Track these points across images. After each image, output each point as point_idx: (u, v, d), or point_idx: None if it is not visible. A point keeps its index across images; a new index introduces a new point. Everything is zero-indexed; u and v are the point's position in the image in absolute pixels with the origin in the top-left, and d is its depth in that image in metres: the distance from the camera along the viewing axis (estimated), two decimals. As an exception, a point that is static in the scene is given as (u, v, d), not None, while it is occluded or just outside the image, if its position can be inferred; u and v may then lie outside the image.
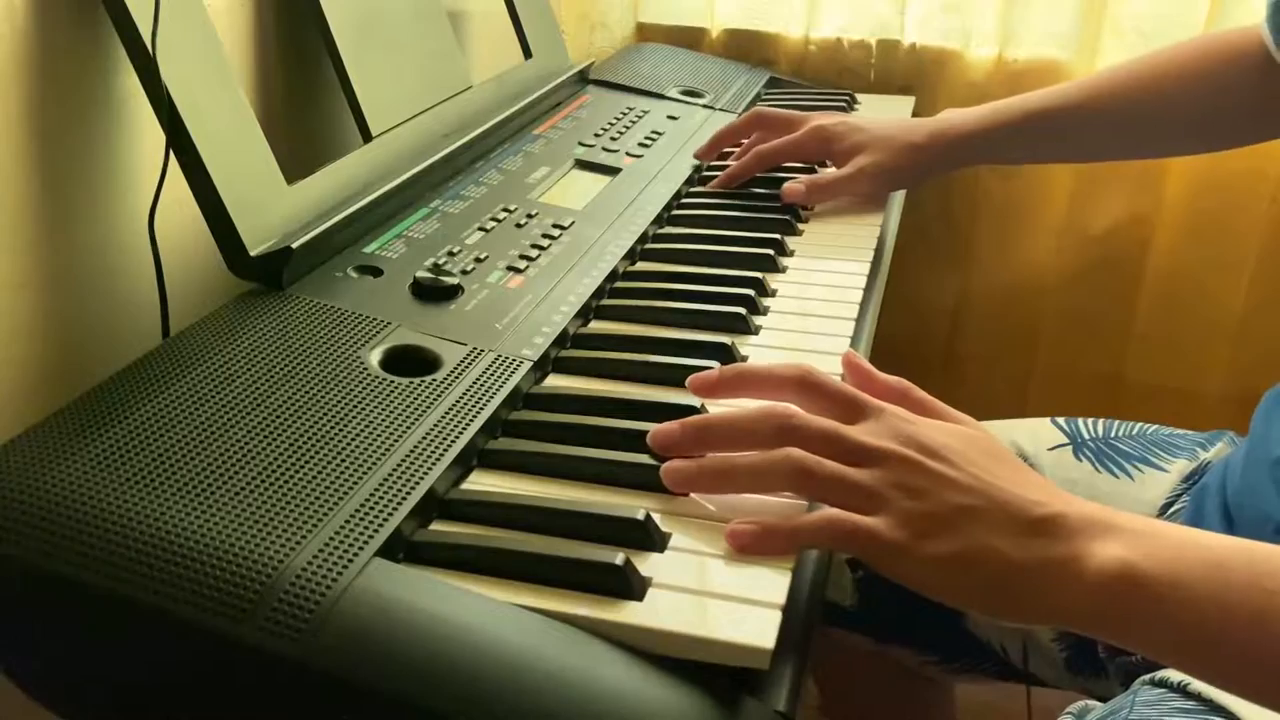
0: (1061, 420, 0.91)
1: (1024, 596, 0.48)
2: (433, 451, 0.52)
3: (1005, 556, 0.47)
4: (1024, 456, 0.89)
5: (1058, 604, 0.48)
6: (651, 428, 0.55)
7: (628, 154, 0.96)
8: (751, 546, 0.49)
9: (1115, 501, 0.84)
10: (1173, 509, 0.80)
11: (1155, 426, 0.89)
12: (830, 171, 0.94)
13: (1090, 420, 0.90)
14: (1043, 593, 0.48)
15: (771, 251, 0.81)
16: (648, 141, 0.99)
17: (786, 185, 0.92)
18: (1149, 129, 0.93)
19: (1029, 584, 0.48)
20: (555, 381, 0.64)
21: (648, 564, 0.48)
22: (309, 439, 0.52)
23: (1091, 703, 0.70)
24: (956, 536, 0.48)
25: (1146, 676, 0.67)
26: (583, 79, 1.13)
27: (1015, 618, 0.50)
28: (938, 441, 0.51)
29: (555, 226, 0.79)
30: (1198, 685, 0.63)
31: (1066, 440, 0.89)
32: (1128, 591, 0.46)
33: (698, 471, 0.53)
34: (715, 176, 0.98)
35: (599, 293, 0.73)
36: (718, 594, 0.46)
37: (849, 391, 0.54)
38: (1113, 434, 0.88)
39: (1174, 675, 0.65)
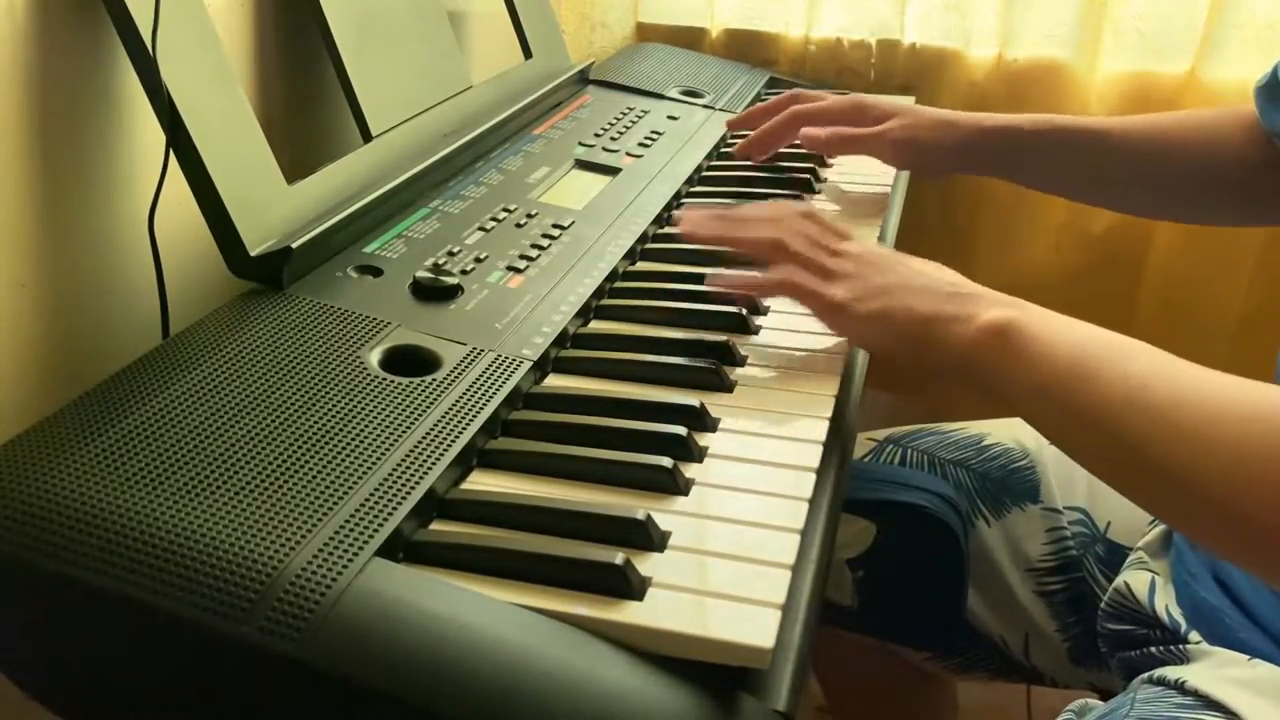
0: None
1: (927, 342, 0.61)
2: (433, 451, 0.52)
3: (918, 311, 0.62)
4: (1026, 452, 0.89)
5: (949, 349, 0.60)
6: (652, 426, 0.56)
7: (628, 154, 0.96)
8: (720, 284, 0.70)
9: (1116, 495, 0.84)
10: None
11: None
12: (859, 129, 0.94)
13: None
14: (940, 339, 0.61)
15: (771, 251, 0.81)
16: (648, 141, 0.99)
17: (806, 130, 0.94)
18: (1154, 181, 0.91)
19: (932, 333, 0.61)
20: (555, 381, 0.64)
21: (648, 564, 0.48)
22: (309, 439, 0.52)
23: (1092, 701, 0.70)
24: (884, 299, 0.63)
25: (1144, 675, 0.68)
26: (583, 79, 1.13)
27: (920, 360, 0.62)
28: (889, 252, 0.68)
29: (555, 226, 0.79)
30: (1194, 683, 0.63)
31: None
32: (1001, 341, 0.58)
33: (710, 217, 0.74)
34: (715, 177, 0.98)
35: (599, 293, 0.73)
36: (718, 594, 0.46)
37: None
38: None
39: (1170, 674, 0.65)
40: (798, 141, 0.96)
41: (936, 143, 0.93)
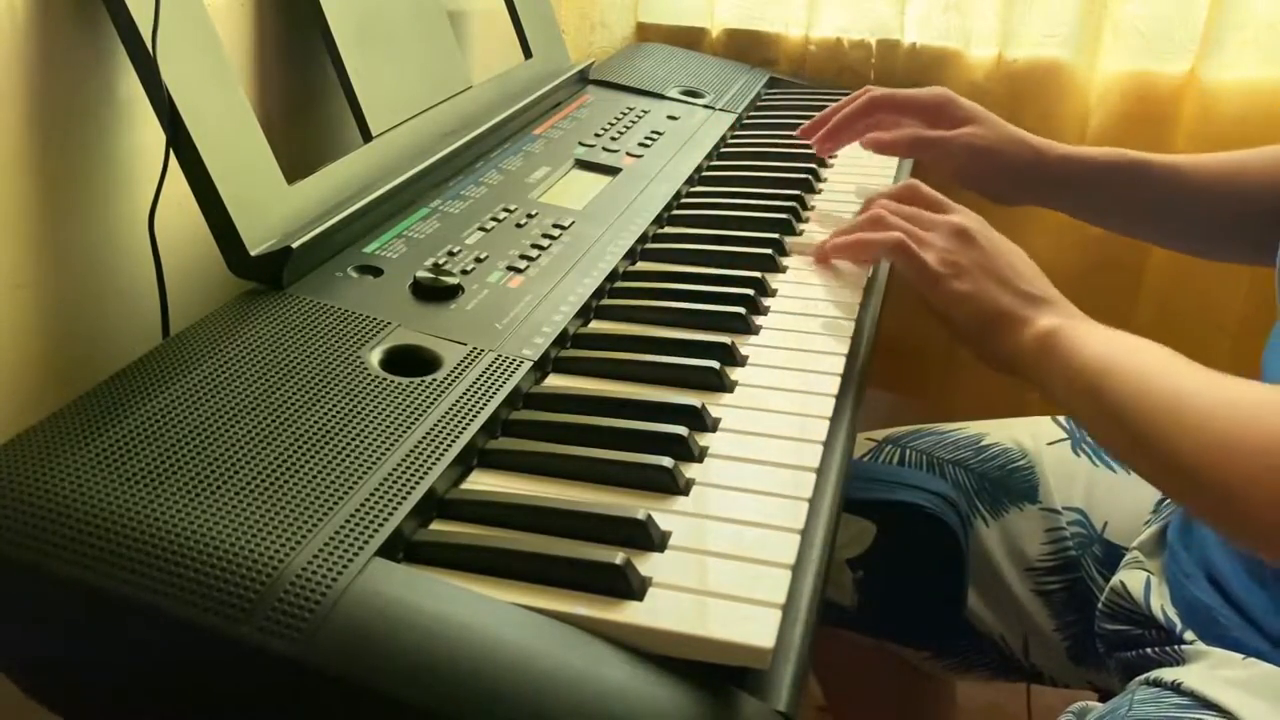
0: (1061, 418, 0.92)
1: (994, 335, 0.69)
2: (433, 451, 0.52)
3: (996, 302, 0.69)
4: (1024, 453, 0.89)
5: (1008, 345, 0.68)
6: (652, 426, 0.56)
7: (628, 154, 0.96)
8: (828, 251, 0.79)
9: (1114, 495, 0.85)
10: (1166, 501, 0.80)
11: None
12: (932, 131, 0.91)
13: None
14: (1004, 335, 0.69)
15: (771, 251, 0.81)
16: (648, 141, 0.99)
17: (873, 135, 0.92)
18: (1233, 220, 0.88)
19: (999, 327, 0.69)
20: (555, 381, 0.64)
21: (648, 564, 0.48)
22: (309, 439, 0.52)
23: (1091, 704, 0.70)
24: (971, 281, 0.70)
25: (1142, 677, 0.68)
26: (583, 79, 1.13)
27: (985, 350, 0.71)
28: (985, 231, 0.74)
29: (555, 226, 0.79)
30: (1190, 684, 0.63)
31: (1065, 435, 0.90)
32: (1045, 347, 0.66)
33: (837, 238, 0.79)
34: (715, 177, 0.98)
35: (599, 293, 0.73)
36: (718, 594, 0.46)
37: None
38: None
39: (1167, 675, 0.65)
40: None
41: (1011, 159, 0.90)
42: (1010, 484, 0.88)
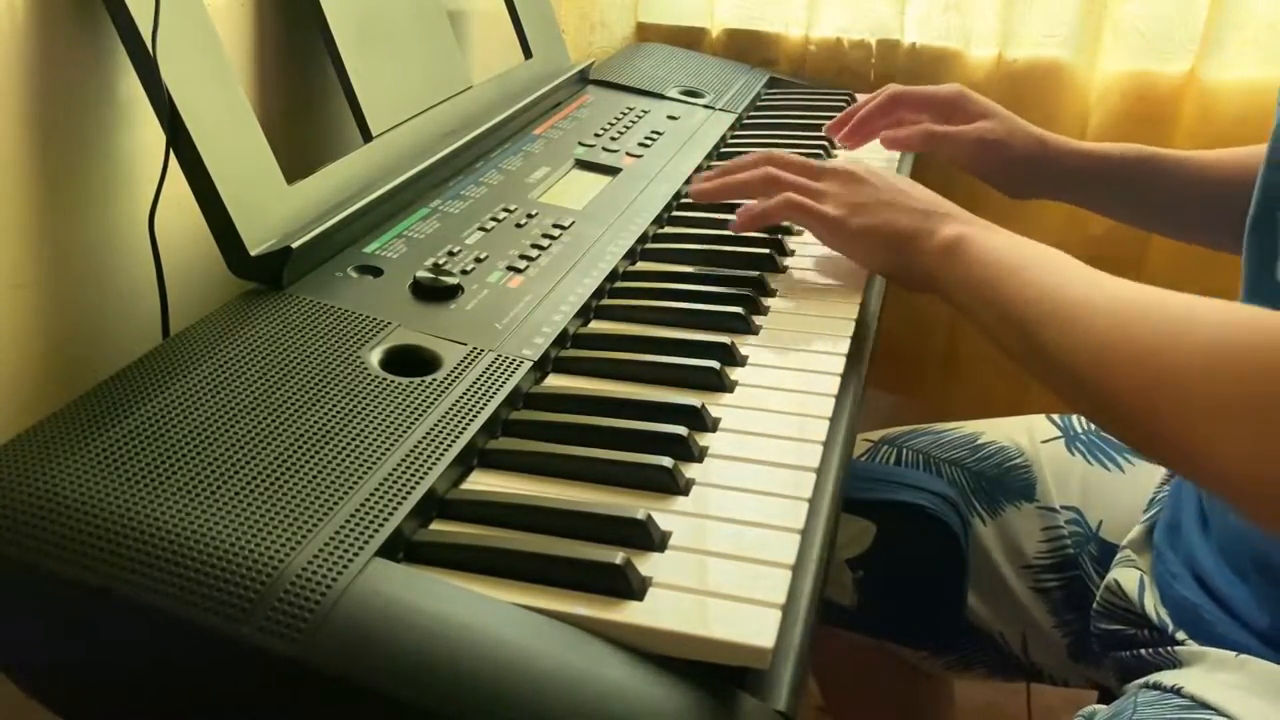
0: (1056, 416, 0.92)
1: (902, 257, 0.72)
2: (433, 451, 0.52)
3: (899, 226, 0.72)
4: (1020, 451, 0.89)
5: (919, 262, 0.70)
6: (652, 426, 0.56)
7: (628, 154, 0.96)
8: (738, 226, 0.79)
9: (1108, 494, 0.85)
10: (1156, 500, 0.80)
11: None
12: (945, 126, 0.95)
13: (1083, 416, 0.91)
14: (914, 253, 0.71)
15: (771, 251, 0.81)
16: (648, 141, 0.99)
17: (889, 133, 0.97)
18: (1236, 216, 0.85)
19: (908, 246, 0.71)
20: (555, 381, 0.64)
21: (648, 564, 0.48)
22: (309, 439, 0.52)
23: (1098, 707, 0.70)
24: (870, 215, 0.73)
25: (1141, 681, 0.68)
26: (583, 79, 1.13)
27: (900, 272, 0.73)
28: (869, 168, 0.77)
29: (555, 226, 0.79)
30: (1190, 689, 0.63)
31: (1059, 433, 0.90)
32: (952, 254, 0.68)
33: (706, 178, 0.81)
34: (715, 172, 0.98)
35: (599, 293, 0.73)
36: (718, 594, 0.46)
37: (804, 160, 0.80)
38: None
39: (1167, 679, 0.66)
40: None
41: (1027, 153, 0.93)
42: (1007, 482, 0.88)
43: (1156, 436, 0.55)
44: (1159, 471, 0.83)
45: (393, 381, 0.57)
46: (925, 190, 0.75)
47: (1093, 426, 0.90)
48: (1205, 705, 0.62)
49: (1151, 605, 0.72)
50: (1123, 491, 0.84)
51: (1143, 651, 0.71)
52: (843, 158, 0.79)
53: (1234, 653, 0.65)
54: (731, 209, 0.89)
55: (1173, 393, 0.54)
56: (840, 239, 0.75)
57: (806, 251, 0.84)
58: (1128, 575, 0.75)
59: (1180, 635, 0.69)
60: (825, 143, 1.07)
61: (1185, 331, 0.54)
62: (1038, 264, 0.64)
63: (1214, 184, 0.88)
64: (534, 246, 0.75)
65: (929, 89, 0.98)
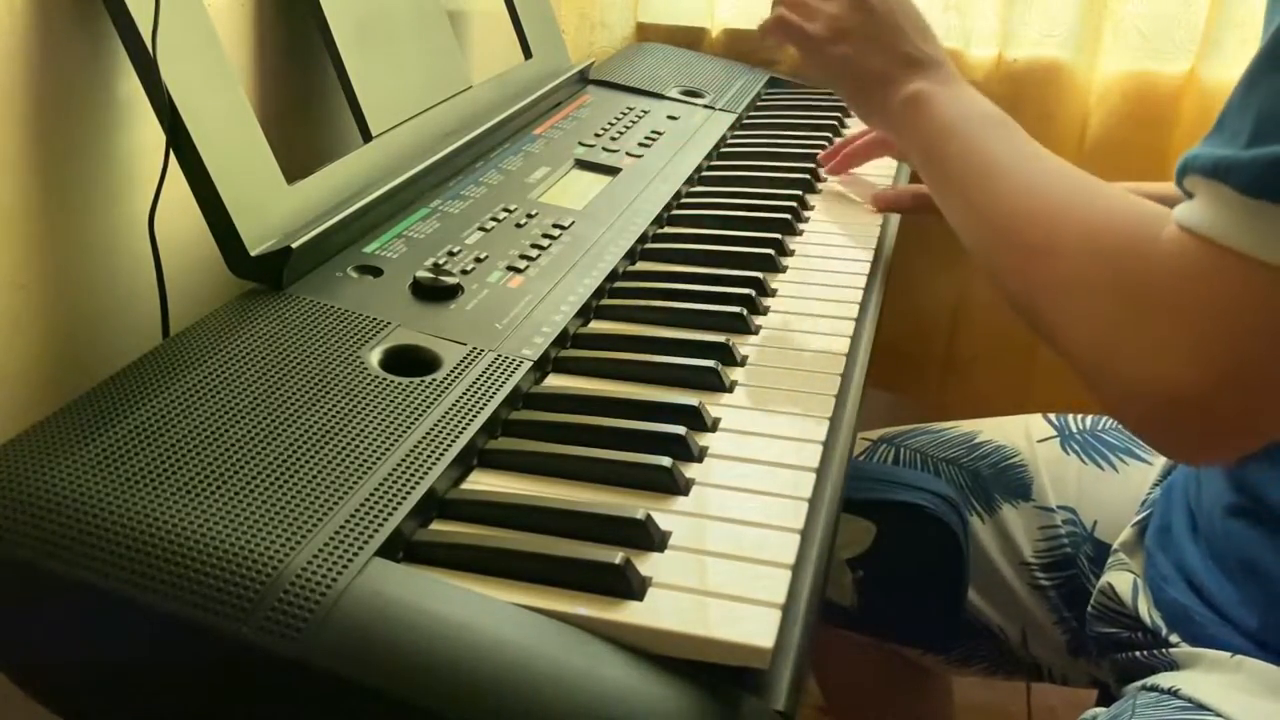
0: (1052, 416, 0.92)
1: (867, 97, 0.75)
2: (433, 451, 0.52)
3: (871, 67, 0.74)
4: (1017, 451, 0.89)
5: (880, 107, 0.74)
6: (652, 426, 0.56)
7: (628, 154, 0.96)
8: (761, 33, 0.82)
9: (1102, 494, 0.85)
10: (1148, 501, 0.80)
11: None
12: None
13: (1079, 415, 0.91)
14: (876, 97, 0.74)
15: (771, 251, 0.81)
16: (648, 141, 0.99)
17: (877, 194, 0.95)
18: None
19: (874, 89, 0.74)
20: (555, 381, 0.64)
21: (648, 564, 0.48)
22: (309, 439, 0.52)
23: (1098, 710, 0.70)
24: (850, 45, 0.75)
25: (1138, 684, 0.68)
26: (583, 79, 1.13)
27: (862, 110, 0.78)
28: (880, 6, 0.76)
29: (555, 226, 0.79)
30: (1187, 691, 0.64)
31: (1055, 433, 0.90)
32: (910, 109, 0.71)
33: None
34: (715, 177, 0.98)
35: (599, 293, 0.73)
36: (718, 593, 0.46)
37: None
38: (1099, 426, 0.89)
39: (1164, 682, 0.66)
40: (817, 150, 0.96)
41: None
42: (1003, 481, 0.88)
43: (1027, 305, 0.59)
44: (1152, 472, 0.83)
45: (393, 381, 0.57)
46: (922, 27, 0.75)
47: (1088, 426, 0.90)
48: (1203, 706, 0.62)
49: (1145, 609, 0.72)
50: (1117, 492, 0.84)
51: (1138, 654, 0.71)
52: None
53: (1230, 654, 0.65)
54: (732, 209, 0.90)
55: (1046, 260, 0.57)
56: (812, 61, 0.78)
57: (806, 252, 0.84)
58: (1121, 578, 0.75)
59: (1173, 638, 0.69)
60: (825, 143, 1.07)
61: (1074, 206, 0.58)
62: (989, 134, 0.66)
63: None
64: (534, 246, 0.75)
65: None
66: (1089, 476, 0.86)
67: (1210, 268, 0.50)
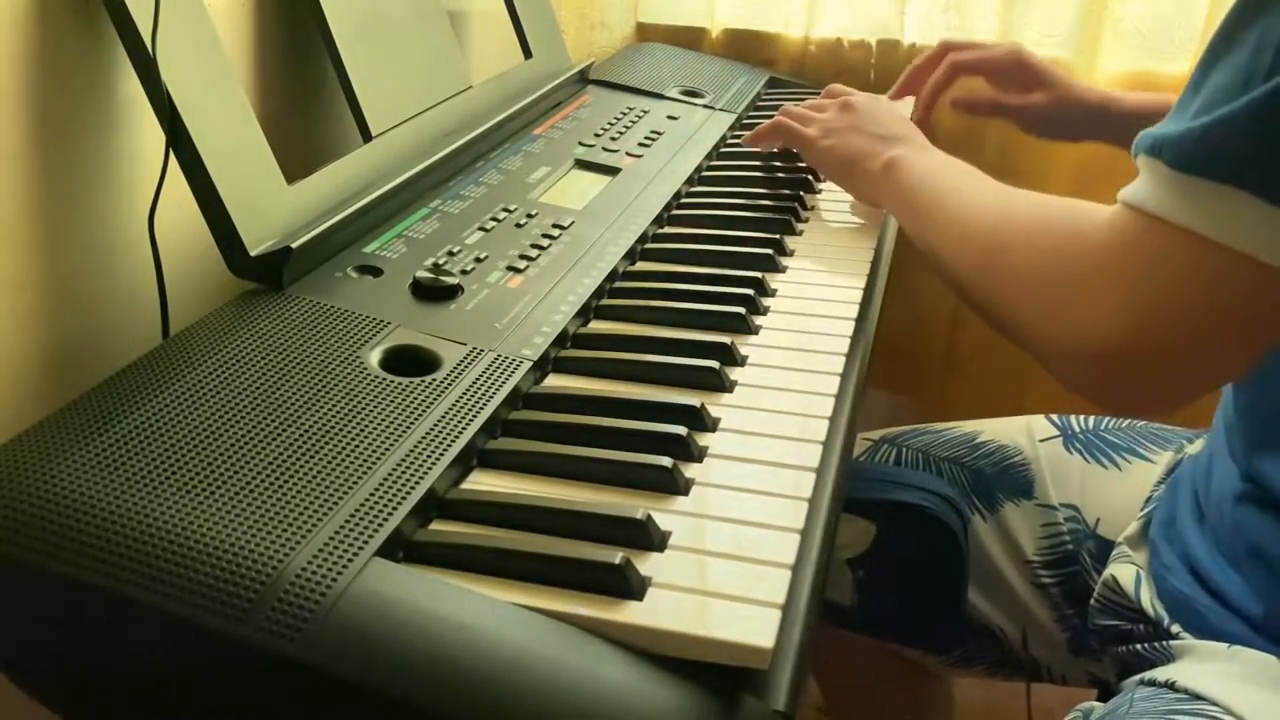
0: (1054, 416, 0.92)
1: (853, 174, 0.86)
2: (432, 451, 0.52)
3: (853, 149, 0.85)
4: (1019, 450, 0.89)
5: (866, 180, 0.84)
6: (652, 426, 0.56)
7: (628, 154, 0.96)
8: (749, 140, 0.99)
9: (1106, 492, 0.85)
10: (1152, 498, 0.80)
11: (1144, 421, 0.90)
12: (1010, 96, 1.07)
13: (1081, 415, 0.91)
14: (861, 169, 0.84)
15: (771, 251, 0.81)
16: (648, 141, 0.99)
17: (960, 98, 1.10)
18: None
19: (856, 166, 0.85)
20: (555, 381, 0.64)
21: (648, 564, 0.48)
22: (309, 439, 0.52)
23: (1095, 704, 0.70)
24: (837, 137, 0.87)
25: (1137, 678, 0.68)
26: (583, 79, 1.13)
27: (850, 185, 0.88)
28: (867, 101, 0.90)
29: (555, 226, 0.79)
30: (1183, 682, 0.64)
31: (1057, 433, 0.90)
32: (889, 174, 0.80)
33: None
34: (715, 177, 0.99)
35: (599, 293, 0.73)
36: (717, 593, 0.46)
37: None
38: (1102, 426, 0.90)
39: (1160, 675, 0.66)
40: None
41: (1072, 119, 1.05)
42: (1005, 480, 0.88)
43: (985, 300, 0.67)
44: (1156, 470, 0.83)
45: (393, 381, 0.57)
46: (897, 118, 0.87)
47: (1091, 426, 0.90)
48: (1198, 697, 0.63)
49: (1148, 599, 0.72)
50: (1120, 490, 0.84)
51: (1139, 646, 0.71)
52: (858, 97, 0.91)
53: (1226, 644, 0.65)
54: (736, 207, 0.90)
55: (998, 257, 0.65)
56: (810, 155, 0.91)
57: (806, 252, 0.84)
58: (1124, 571, 0.75)
59: (1175, 629, 0.69)
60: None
61: (1023, 209, 0.66)
62: (951, 177, 0.75)
63: None
64: (534, 246, 0.75)
65: (984, 53, 1.07)
66: (1092, 475, 0.86)
67: (1138, 232, 0.57)
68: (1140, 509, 0.80)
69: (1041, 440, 0.90)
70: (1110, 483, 0.85)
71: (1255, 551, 0.65)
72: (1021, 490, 0.87)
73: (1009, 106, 1.07)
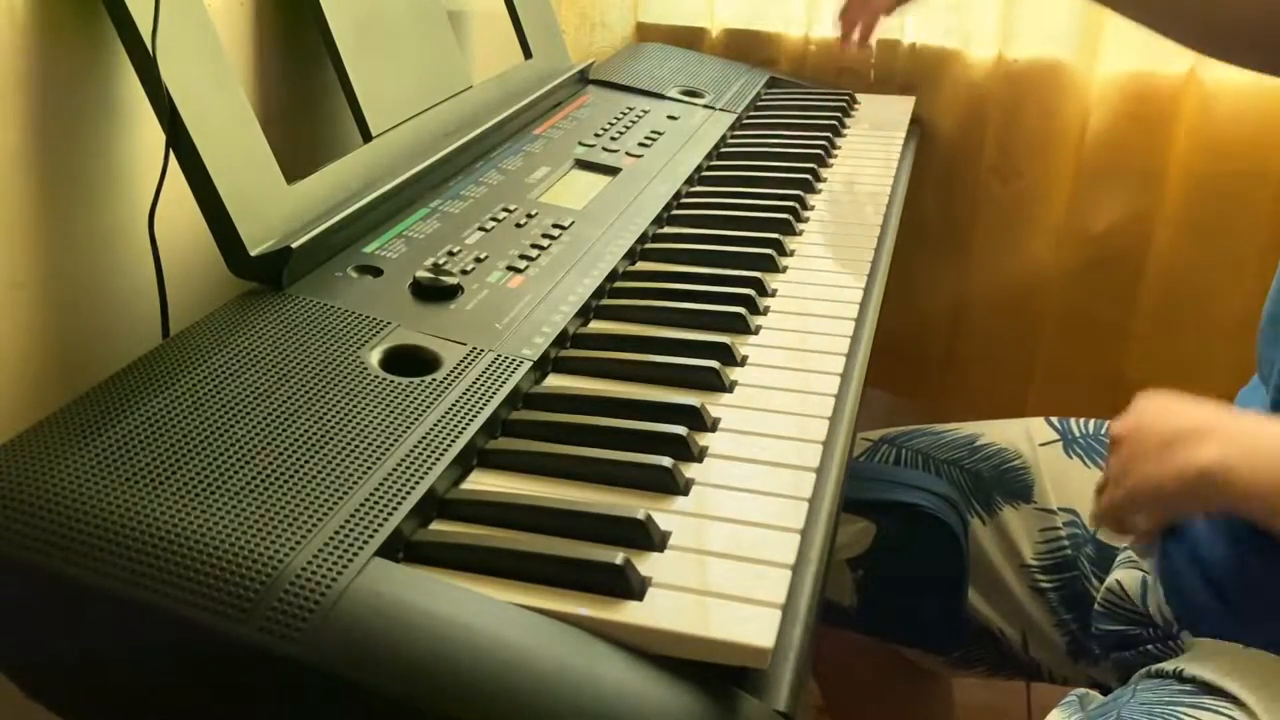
0: (1055, 419, 0.92)
1: (1168, 504, 0.66)
2: (432, 451, 0.52)
3: (1150, 478, 0.65)
4: (1019, 453, 0.89)
5: (1183, 501, 0.65)
6: (652, 426, 0.56)
7: (628, 154, 0.96)
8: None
9: None
10: None
11: None
12: None
13: (1081, 419, 0.91)
14: (1174, 495, 0.64)
15: (771, 251, 0.81)
16: (648, 141, 0.99)
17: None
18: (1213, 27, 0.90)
19: (1167, 494, 0.65)
20: (555, 381, 0.64)
21: (648, 564, 0.48)
22: (309, 439, 0.52)
23: (1093, 692, 0.70)
24: (1127, 482, 0.67)
25: (1143, 670, 0.68)
26: (583, 79, 1.13)
27: (1176, 518, 0.70)
28: (1132, 420, 0.69)
29: (555, 226, 0.79)
30: (1191, 670, 0.64)
31: (1057, 437, 0.90)
32: (1217, 482, 0.61)
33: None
34: (715, 177, 0.99)
35: (599, 293, 0.73)
36: (718, 594, 0.46)
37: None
38: (1102, 431, 0.89)
39: (1168, 666, 0.66)
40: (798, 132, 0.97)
41: None
42: (1004, 483, 0.88)
43: None
44: None
45: (393, 381, 0.57)
46: (1166, 405, 0.68)
47: (1091, 430, 0.90)
48: (1208, 687, 0.62)
49: (1155, 604, 0.72)
50: None
51: (1149, 647, 0.71)
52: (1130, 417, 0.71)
53: (1240, 644, 0.65)
54: (736, 207, 0.90)
55: None
56: (1127, 514, 0.69)
57: (806, 252, 0.84)
58: (1130, 576, 0.75)
59: (1184, 634, 0.69)
60: (825, 143, 1.07)
61: None
62: None
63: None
64: (534, 246, 0.75)
65: None
66: (1092, 479, 0.86)
67: None
68: None
69: (1041, 444, 0.90)
70: None
71: (1272, 561, 0.65)
72: (1020, 494, 0.87)
73: None
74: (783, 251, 0.82)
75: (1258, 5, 0.85)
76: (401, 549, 0.48)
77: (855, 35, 1.12)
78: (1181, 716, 0.62)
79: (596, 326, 0.71)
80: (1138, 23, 0.97)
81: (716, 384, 0.63)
